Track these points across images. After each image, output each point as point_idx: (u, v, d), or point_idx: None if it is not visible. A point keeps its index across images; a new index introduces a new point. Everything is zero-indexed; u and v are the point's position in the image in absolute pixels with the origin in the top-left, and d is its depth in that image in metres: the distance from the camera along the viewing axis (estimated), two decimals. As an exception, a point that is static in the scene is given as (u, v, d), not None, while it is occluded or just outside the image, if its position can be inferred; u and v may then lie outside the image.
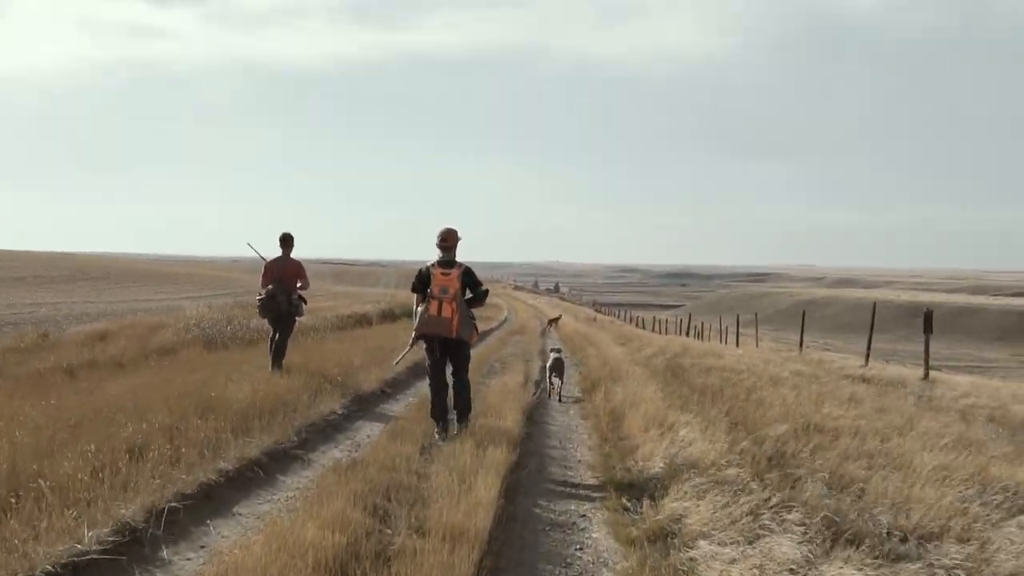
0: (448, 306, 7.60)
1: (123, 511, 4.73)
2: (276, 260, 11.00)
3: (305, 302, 11.44)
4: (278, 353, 11.01)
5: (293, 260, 11.11)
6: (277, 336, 11.10)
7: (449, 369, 8.09)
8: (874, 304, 19.68)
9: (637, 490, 6.11)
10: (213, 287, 47.12)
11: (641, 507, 5.63)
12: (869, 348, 19.23)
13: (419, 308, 7.85)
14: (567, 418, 10.12)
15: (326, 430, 8.18)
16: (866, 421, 9.52)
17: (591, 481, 6.77)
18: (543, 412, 10.38)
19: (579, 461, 7.61)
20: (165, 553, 4.58)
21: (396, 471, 6.03)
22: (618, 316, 68.67)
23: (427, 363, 8.07)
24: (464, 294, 7.79)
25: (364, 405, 9.71)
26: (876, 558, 4.47)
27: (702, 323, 43.96)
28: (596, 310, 78.03)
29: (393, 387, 11.50)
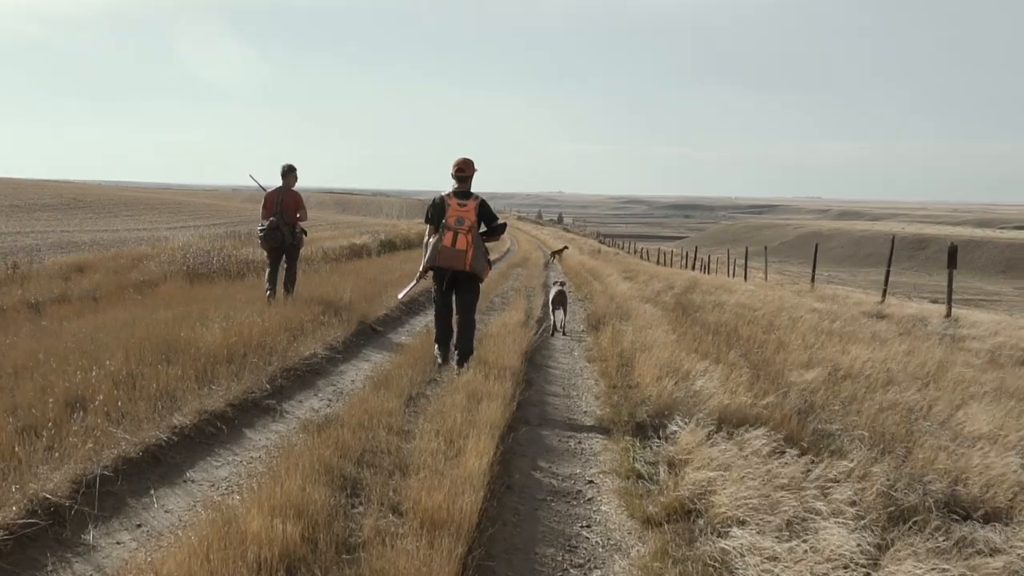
0: (464, 238, 7.36)
1: (44, 483, 3.97)
2: (276, 191, 10.88)
3: (305, 233, 11.43)
4: (288, 281, 11.15)
5: (293, 192, 11.00)
6: (285, 266, 11.16)
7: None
8: (892, 238, 18.72)
9: (652, 452, 5.35)
10: (210, 216, 46.18)
11: (658, 475, 4.86)
12: (887, 284, 18.41)
13: (431, 240, 7.55)
14: (571, 360, 9.34)
15: (305, 375, 7.39)
16: (896, 365, 8.76)
17: (599, 438, 6.01)
18: (546, 353, 9.61)
19: (585, 412, 6.85)
20: (91, 535, 3.83)
21: (375, 430, 5.24)
22: (623, 248, 67.80)
23: (434, 295, 7.89)
24: (479, 227, 7.54)
25: (350, 346, 8.91)
26: (943, 546, 3.71)
27: (708, 255, 43.13)
28: (600, 242, 77.14)
29: (384, 325, 10.71)
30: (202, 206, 58.23)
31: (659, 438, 5.55)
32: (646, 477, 4.86)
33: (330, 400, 6.73)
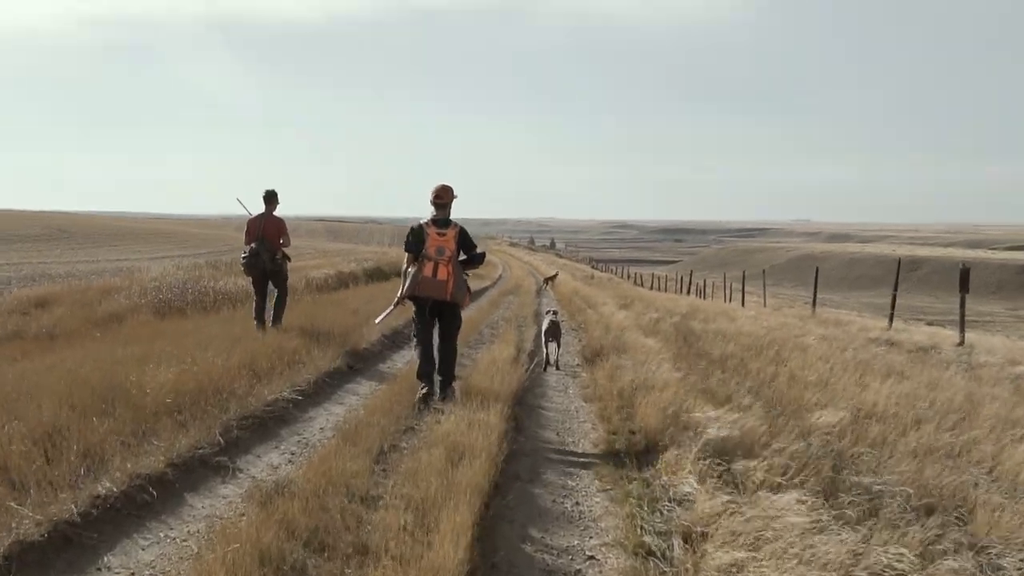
0: (444, 268, 7.27)
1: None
2: (258, 217, 10.80)
3: (288, 259, 11.23)
4: (276, 309, 10.93)
5: (275, 217, 10.89)
6: (266, 296, 10.95)
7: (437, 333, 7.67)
8: (898, 262, 18.10)
9: (663, 518, 4.54)
10: (196, 245, 45.40)
11: (672, 551, 4.05)
12: (893, 308, 17.68)
13: (410, 268, 7.43)
14: (566, 399, 8.54)
15: (268, 423, 6.55)
16: (922, 402, 7.99)
17: (599, 498, 5.20)
18: (538, 391, 8.80)
19: (582, 464, 6.02)
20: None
21: (335, 496, 4.42)
22: (616, 273, 67.18)
23: (415, 325, 7.68)
24: (459, 255, 7.46)
25: (322, 388, 8.08)
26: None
27: (704, 280, 42.45)
28: (593, 267, 76.57)
29: (363, 360, 9.90)
30: (190, 235, 57.48)
31: (670, 501, 4.74)
32: (658, 554, 4.04)
33: (292, 455, 5.90)
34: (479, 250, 7.72)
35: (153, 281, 15.62)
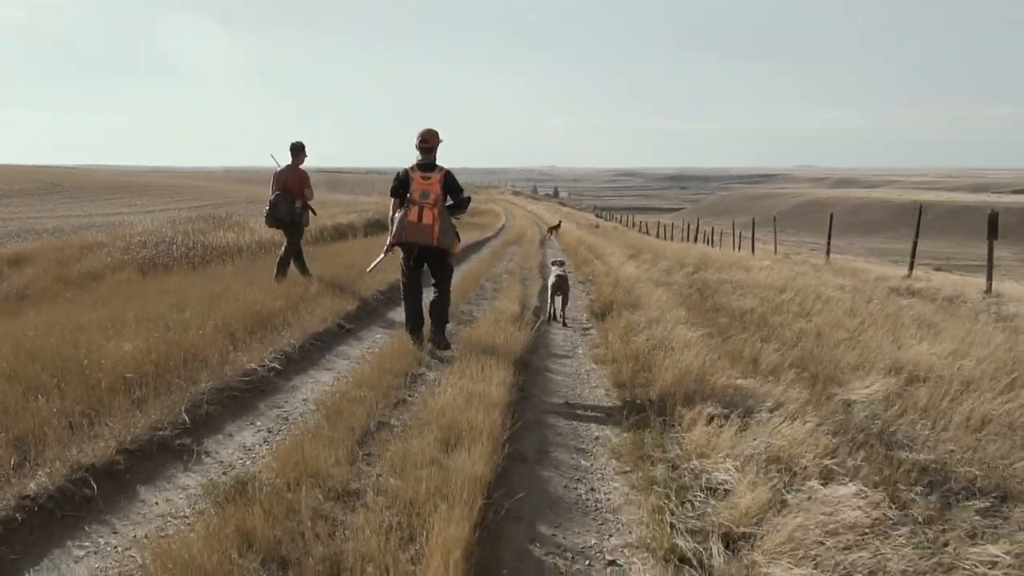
0: (429, 212, 7.08)
1: None
2: (284, 169, 10.80)
3: (313, 212, 11.38)
4: (282, 262, 10.90)
5: (299, 170, 10.91)
6: (285, 245, 11.03)
7: (429, 288, 7.59)
8: (919, 208, 17.20)
9: (695, 512, 3.84)
10: (194, 198, 44.49)
11: (711, 558, 3.36)
12: (914, 256, 16.89)
13: (397, 214, 7.28)
14: (575, 360, 7.83)
15: (245, 396, 5.86)
16: (968, 361, 7.28)
17: (618, 482, 4.52)
18: (545, 352, 8.10)
19: (596, 439, 5.33)
20: None
21: (309, 492, 3.73)
22: (621, 221, 66.23)
23: (402, 275, 7.55)
24: (445, 200, 7.24)
25: (309, 352, 7.36)
26: None
27: (711, 228, 41.59)
28: (598, 216, 75.59)
29: (357, 320, 9.16)
30: (188, 188, 56.53)
31: (702, 491, 4.05)
32: (695, 563, 3.35)
33: (269, 432, 5.21)
34: (465, 195, 7.42)
35: (139, 236, 14.88)
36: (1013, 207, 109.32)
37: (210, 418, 5.29)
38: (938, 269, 36.65)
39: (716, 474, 4.06)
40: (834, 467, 4.02)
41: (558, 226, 30.57)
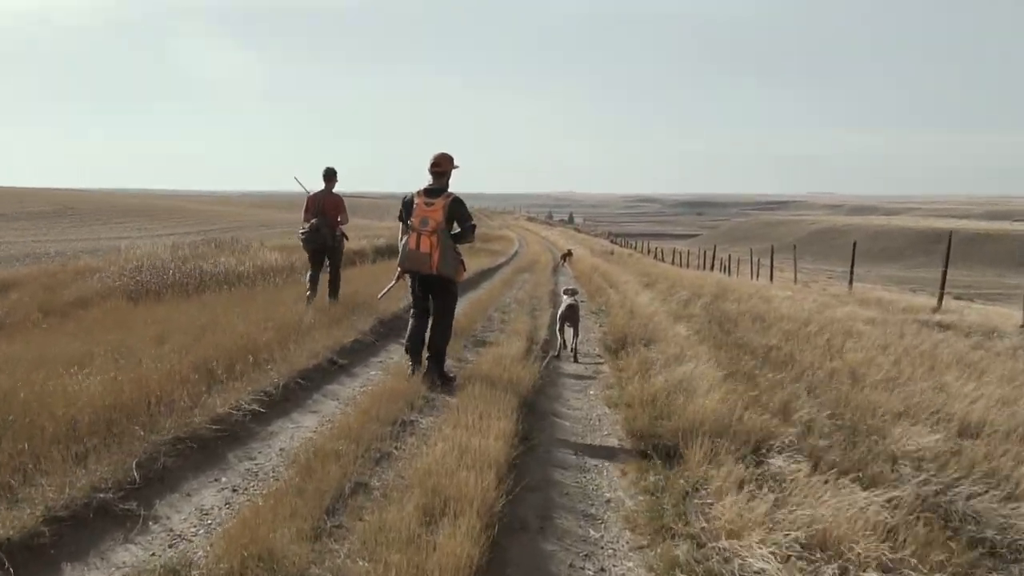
0: (427, 240, 6.79)
1: None
2: (318, 194, 11.00)
3: (346, 237, 11.63)
4: (332, 284, 11.28)
5: (334, 194, 11.10)
6: (321, 269, 11.18)
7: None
8: (950, 235, 16.46)
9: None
10: (205, 222, 44.26)
11: None
12: (943, 287, 16.13)
13: (403, 240, 7.06)
14: (586, 402, 7.16)
15: (213, 444, 5.21)
16: (1022, 408, 6.57)
17: (633, 564, 3.83)
18: (553, 391, 7.42)
19: (608, 502, 4.66)
20: None
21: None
22: (635, 248, 65.57)
23: (411, 299, 7.38)
24: (451, 227, 6.92)
25: (293, 392, 6.70)
26: None
27: (728, 256, 40.85)
28: (612, 241, 74.99)
29: (352, 354, 8.50)
30: (200, 212, 56.42)
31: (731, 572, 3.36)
32: None
33: (234, 491, 4.56)
34: (472, 222, 7.06)
35: (135, 261, 14.34)
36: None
37: (167, 474, 4.64)
38: (957, 298, 35.82)
39: (751, 560, 3.36)
40: (891, 561, 3.32)
41: (570, 253, 29.97)
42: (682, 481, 4.54)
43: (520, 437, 5.36)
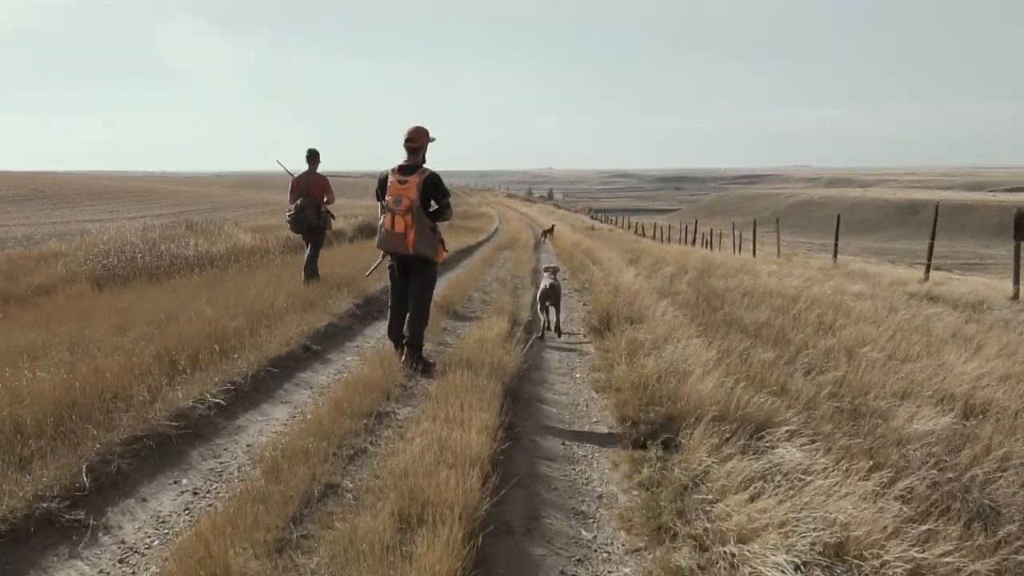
0: (402, 219, 6.47)
1: None
2: (302, 176, 11.08)
3: (333, 216, 11.58)
4: (309, 267, 11.16)
5: (318, 175, 11.18)
6: (308, 250, 11.29)
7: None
8: (936, 206, 16.19)
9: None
10: (178, 204, 43.48)
11: None
12: (930, 259, 15.91)
13: (380, 220, 6.75)
14: (573, 386, 6.84)
15: (174, 442, 4.82)
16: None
17: (630, 570, 3.51)
18: (538, 375, 7.09)
19: (599, 497, 4.34)
20: None
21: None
22: (616, 224, 65.31)
23: (390, 279, 6.95)
24: (427, 205, 6.56)
25: (263, 382, 6.32)
26: None
27: (710, 230, 40.62)
28: (592, 217, 74.68)
29: (327, 339, 8.13)
30: (174, 193, 55.54)
31: (746, 589, 3.04)
32: None
33: (195, 494, 4.19)
34: (448, 199, 6.71)
35: (102, 244, 13.83)
36: (1007, 205, 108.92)
37: (122, 477, 4.26)
38: (936, 269, 35.88)
39: (763, 569, 3.02)
40: (918, 557, 3.00)
41: (551, 230, 29.61)
42: (680, 474, 4.21)
43: (503, 429, 5.00)
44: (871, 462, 4.17)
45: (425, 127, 6.66)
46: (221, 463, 4.69)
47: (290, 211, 10.93)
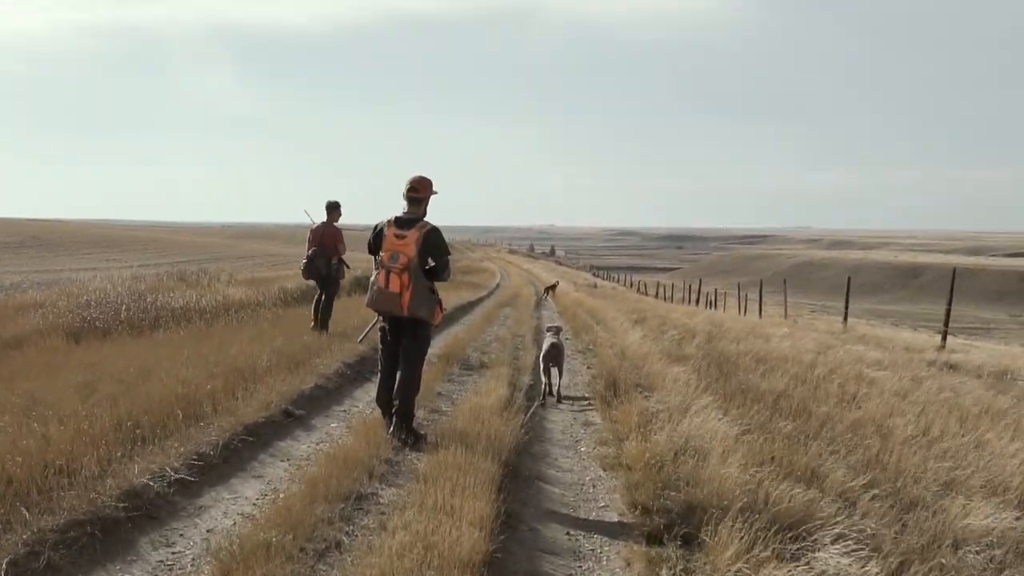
0: (397, 278, 5.89)
1: None
2: (319, 226, 11.43)
3: (347, 266, 12.15)
4: (323, 315, 11.54)
5: (333, 227, 11.48)
6: (322, 298, 11.62)
7: None
8: (953, 271, 15.71)
9: None
10: (178, 253, 43.08)
11: None
12: (947, 325, 15.35)
13: (372, 276, 6.20)
14: (578, 461, 6.21)
15: (123, 527, 4.20)
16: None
17: None
18: (539, 450, 6.44)
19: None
20: None
21: None
22: (619, 281, 64.90)
23: (380, 339, 6.40)
24: (425, 262, 6.01)
25: (236, 453, 5.69)
26: None
27: (714, 290, 40.12)
28: (594, 275, 74.35)
29: (311, 402, 7.51)
30: (174, 243, 55.24)
31: None
32: None
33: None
34: (448, 256, 6.17)
35: (85, 296, 13.26)
36: (1009, 270, 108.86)
37: (51, 574, 3.63)
38: (939, 332, 35.39)
39: None
40: None
41: (554, 287, 29.10)
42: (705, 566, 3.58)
43: (500, 517, 4.38)
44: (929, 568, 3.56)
45: (429, 178, 6.18)
46: (174, 554, 4.06)
47: (304, 260, 11.48)
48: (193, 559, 3.98)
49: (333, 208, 11.49)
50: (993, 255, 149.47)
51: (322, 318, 11.48)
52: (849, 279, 19.71)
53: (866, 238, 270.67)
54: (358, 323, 11.41)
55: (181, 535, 4.31)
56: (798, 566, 3.51)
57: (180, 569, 3.87)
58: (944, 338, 15.27)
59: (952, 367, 12.73)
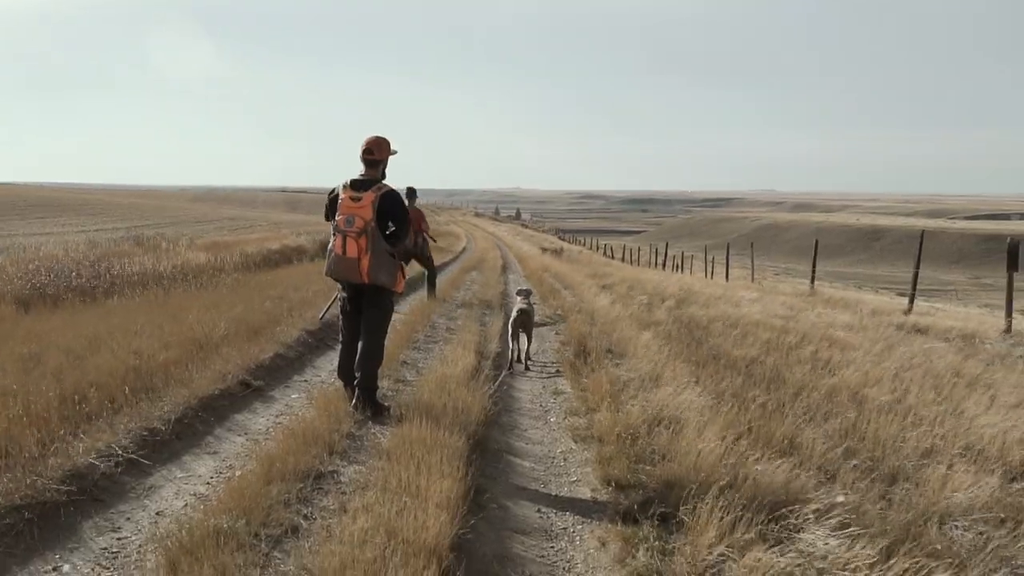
0: (355, 243, 5.62)
1: None
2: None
3: (434, 239, 14.08)
4: (430, 286, 13.72)
5: (416, 208, 12.23)
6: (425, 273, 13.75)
7: None
8: (921, 234, 15.55)
9: None
10: (135, 218, 42.06)
11: None
12: (914, 288, 15.33)
13: (330, 244, 5.92)
14: (548, 432, 6.01)
15: (63, 511, 3.92)
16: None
17: None
18: (507, 421, 6.24)
19: (587, 591, 3.51)
20: None
21: None
22: (585, 244, 64.79)
23: (341, 309, 6.10)
24: (385, 226, 5.70)
25: (190, 427, 5.42)
26: None
27: (681, 253, 40.14)
28: (560, 238, 74.15)
29: (271, 372, 7.24)
30: (132, 206, 53.99)
31: None
32: None
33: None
34: (405, 224, 5.86)
35: (35, 261, 12.78)
36: (967, 232, 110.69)
37: (-19, 567, 3.36)
38: (900, 295, 35.85)
39: None
40: None
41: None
42: (687, 568, 3.39)
43: (469, 496, 4.15)
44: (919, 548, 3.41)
45: (386, 138, 5.83)
46: (119, 540, 3.79)
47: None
48: (140, 545, 3.71)
49: (413, 194, 12.23)
50: (952, 218, 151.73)
51: (430, 289, 13.45)
52: (817, 242, 19.61)
53: (828, 201, 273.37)
54: (321, 289, 11.12)
55: (128, 519, 4.04)
56: (784, 548, 3.33)
57: (125, 557, 3.61)
58: (911, 301, 15.25)
59: (921, 330, 12.70)
